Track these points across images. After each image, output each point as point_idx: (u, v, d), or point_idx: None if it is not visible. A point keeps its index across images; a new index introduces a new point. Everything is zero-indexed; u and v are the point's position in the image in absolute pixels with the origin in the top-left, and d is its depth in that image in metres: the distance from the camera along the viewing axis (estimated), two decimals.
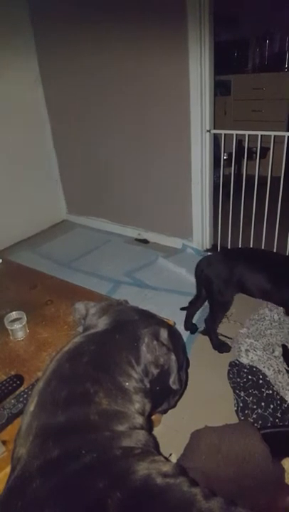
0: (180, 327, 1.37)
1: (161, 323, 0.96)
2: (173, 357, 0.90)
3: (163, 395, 0.95)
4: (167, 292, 2.26)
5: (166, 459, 0.78)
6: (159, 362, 0.88)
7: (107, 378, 0.81)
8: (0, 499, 0.68)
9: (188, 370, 1.35)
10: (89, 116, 2.80)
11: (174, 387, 0.93)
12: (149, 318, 0.96)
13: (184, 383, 1.05)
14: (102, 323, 0.93)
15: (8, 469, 0.83)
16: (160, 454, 0.80)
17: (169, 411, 1.08)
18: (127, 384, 0.83)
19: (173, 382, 0.92)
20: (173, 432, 1.37)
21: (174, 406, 1.05)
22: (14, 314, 1.34)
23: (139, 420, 0.81)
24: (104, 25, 2.42)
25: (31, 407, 0.79)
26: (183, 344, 1.10)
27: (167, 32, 2.21)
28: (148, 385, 0.86)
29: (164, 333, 0.92)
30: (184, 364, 1.03)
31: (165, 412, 1.07)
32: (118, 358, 0.85)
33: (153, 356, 0.86)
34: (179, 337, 1.04)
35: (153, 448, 0.79)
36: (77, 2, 2.48)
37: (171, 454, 1.22)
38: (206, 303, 1.83)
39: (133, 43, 2.35)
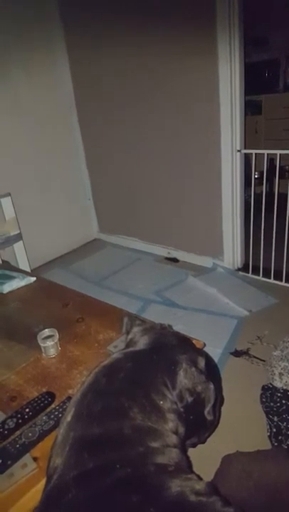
0: (209, 348, 1.34)
1: (199, 351, 0.97)
2: (211, 386, 0.89)
3: (195, 425, 0.93)
4: (197, 312, 2.24)
5: (199, 477, 0.77)
6: (197, 389, 0.87)
7: (141, 395, 0.82)
8: (38, 508, 0.71)
9: None
10: (120, 138, 2.89)
11: (209, 417, 0.91)
12: (187, 346, 0.97)
13: (217, 418, 1.02)
14: (141, 343, 0.96)
15: (39, 486, 0.85)
16: (193, 472, 0.79)
17: None
18: (161, 402, 0.83)
19: (208, 412, 0.90)
20: (203, 456, 1.34)
21: (203, 442, 1.03)
22: (47, 331, 1.36)
23: (173, 439, 0.81)
24: (136, 44, 2.51)
25: (68, 418, 0.81)
26: (219, 376, 1.08)
27: (198, 53, 2.26)
28: (182, 410, 0.86)
29: (201, 362, 0.92)
30: (218, 396, 1.00)
31: (194, 446, 1.04)
32: (154, 378, 0.86)
33: (191, 383, 0.86)
34: (215, 368, 1.03)
35: (186, 467, 0.78)
36: (110, 34, 2.60)
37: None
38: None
39: (164, 65, 2.43)
